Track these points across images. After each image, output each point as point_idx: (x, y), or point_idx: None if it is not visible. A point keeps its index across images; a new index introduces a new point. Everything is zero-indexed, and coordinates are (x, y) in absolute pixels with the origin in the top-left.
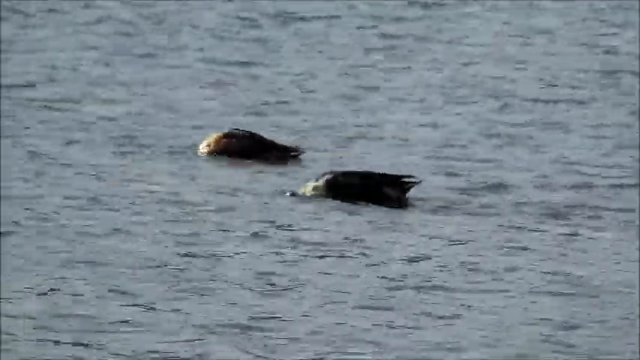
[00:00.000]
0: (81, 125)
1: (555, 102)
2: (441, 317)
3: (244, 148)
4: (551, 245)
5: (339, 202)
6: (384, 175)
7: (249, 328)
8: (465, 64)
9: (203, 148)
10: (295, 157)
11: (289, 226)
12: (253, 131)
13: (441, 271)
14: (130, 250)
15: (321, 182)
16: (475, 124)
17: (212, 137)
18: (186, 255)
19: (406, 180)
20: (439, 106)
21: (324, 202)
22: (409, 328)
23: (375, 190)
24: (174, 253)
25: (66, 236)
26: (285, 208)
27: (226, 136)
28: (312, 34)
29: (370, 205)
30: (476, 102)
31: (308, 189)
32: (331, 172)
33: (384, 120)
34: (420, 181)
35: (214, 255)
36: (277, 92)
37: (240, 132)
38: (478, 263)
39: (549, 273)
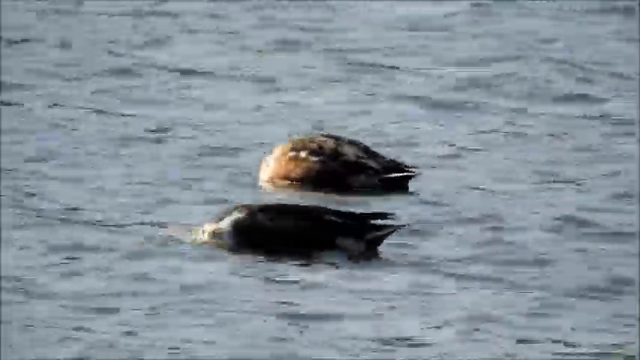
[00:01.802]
0: None
1: None
2: None
3: (321, 170)
4: None
5: (253, 261)
6: (341, 213)
7: None
8: None
9: (264, 167)
10: (407, 179)
11: None
12: (338, 135)
13: None
14: None
15: (225, 225)
16: None
17: (276, 150)
18: None
19: (379, 222)
20: None
21: (226, 260)
22: None
23: (324, 240)
24: None
25: None
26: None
27: (294, 147)
28: None
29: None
30: None
31: (202, 236)
32: (244, 207)
33: None
34: (404, 225)
35: None
36: None
37: (319, 138)
38: None
39: None
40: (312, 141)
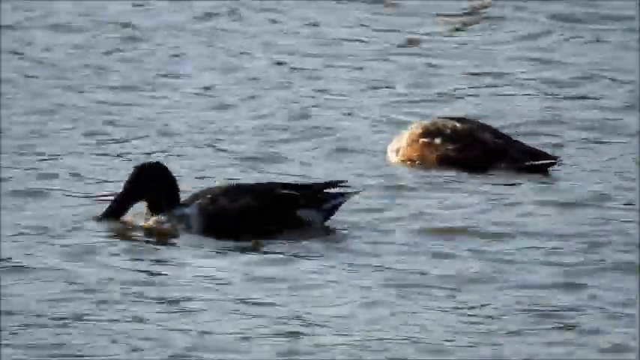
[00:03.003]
0: None
1: None
2: None
3: (459, 158)
4: None
5: (216, 241)
6: (297, 186)
7: None
8: None
9: (392, 154)
10: (549, 166)
11: None
12: (471, 118)
13: None
14: None
15: (192, 212)
16: None
17: (405, 135)
18: None
19: (333, 191)
20: None
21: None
22: None
23: (285, 213)
24: None
25: None
26: None
27: (426, 133)
28: None
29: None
30: None
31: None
32: (207, 192)
33: None
34: (358, 192)
35: None
36: None
37: (452, 123)
38: None
39: None
40: (444, 125)
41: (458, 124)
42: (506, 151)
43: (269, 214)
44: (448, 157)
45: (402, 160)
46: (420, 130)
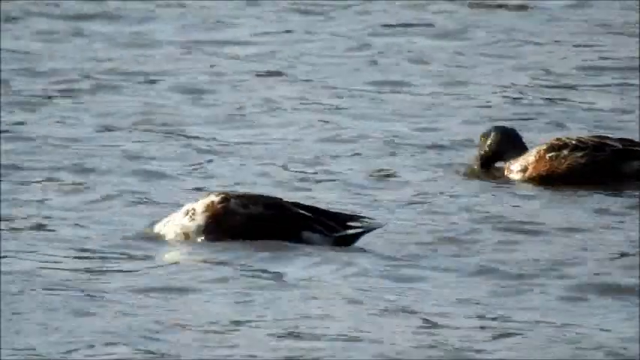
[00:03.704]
0: None
1: None
2: None
3: (588, 163)
4: None
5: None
6: (315, 209)
7: None
8: None
9: (516, 172)
10: None
11: None
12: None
13: None
14: None
15: (198, 206)
16: None
17: (531, 153)
18: None
19: (353, 223)
20: None
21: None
22: None
23: (289, 231)
24: None
25: None
26: None
27: (552, 148)
28: None
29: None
30: None
31: (175, 226)
32: (220, 193)
33: None
34: (380, 226)
35: None
36: None
37: (576, 136)
38: None
39: None
40: (569, 138)
41: (582, 136)
42: (636, 150)
43: (273, 228)
44: (578, 164)
45: (530, 178)
46: (545, 147)
